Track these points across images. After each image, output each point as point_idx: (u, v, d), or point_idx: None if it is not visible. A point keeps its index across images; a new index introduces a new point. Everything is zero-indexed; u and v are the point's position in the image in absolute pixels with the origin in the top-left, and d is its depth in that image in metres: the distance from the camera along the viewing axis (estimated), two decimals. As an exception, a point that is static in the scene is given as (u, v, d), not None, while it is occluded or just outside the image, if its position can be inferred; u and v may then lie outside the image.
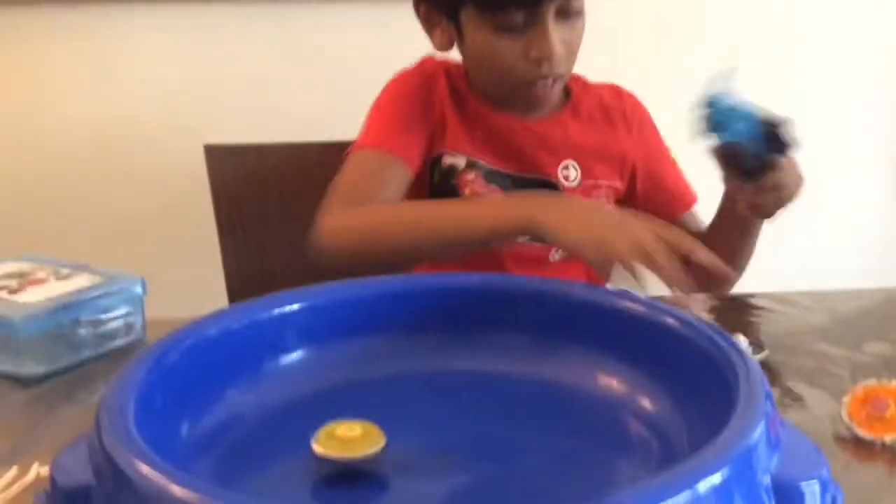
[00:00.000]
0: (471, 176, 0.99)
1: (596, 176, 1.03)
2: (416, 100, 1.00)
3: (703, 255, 0.77)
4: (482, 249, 0.94)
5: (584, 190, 1.02)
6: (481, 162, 1.00)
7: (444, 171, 1.00)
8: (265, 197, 1.19)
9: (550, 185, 1.01)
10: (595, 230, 0.78)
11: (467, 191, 1.00)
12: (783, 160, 0.85)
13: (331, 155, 1.13)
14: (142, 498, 0.43)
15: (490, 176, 1.00)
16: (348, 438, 0.54)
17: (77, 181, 1.48)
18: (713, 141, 0.84)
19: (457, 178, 1.00)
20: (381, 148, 0.98)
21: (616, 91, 1.08)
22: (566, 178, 1.02)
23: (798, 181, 0.89)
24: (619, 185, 1.05)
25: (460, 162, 1.00)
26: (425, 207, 0.93)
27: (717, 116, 0.82)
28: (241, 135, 1.20)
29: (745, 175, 0.86)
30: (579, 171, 1.02)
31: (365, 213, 0.92)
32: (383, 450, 0.54)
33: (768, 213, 0.91)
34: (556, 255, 1.02)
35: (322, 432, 0.55)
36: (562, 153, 1.02)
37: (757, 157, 0.83)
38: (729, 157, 0.86)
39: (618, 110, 1.06)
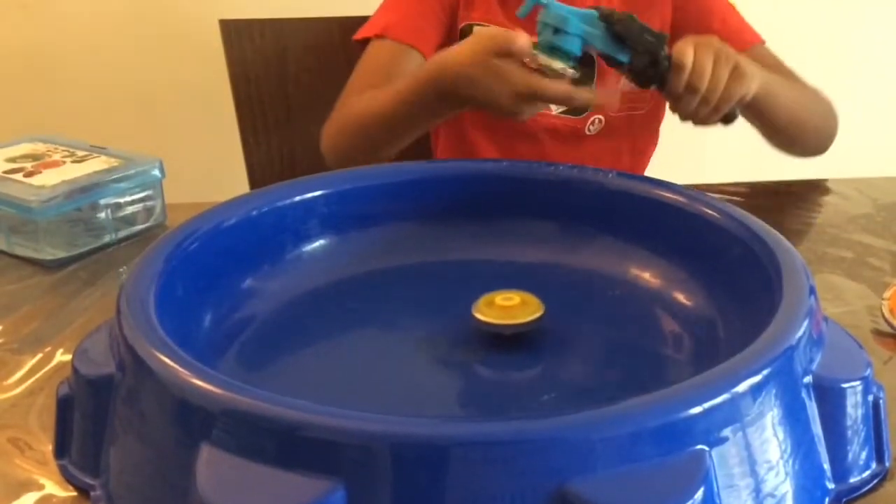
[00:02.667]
0: None
1: None
2: None
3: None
4: (439, 119, 0.89)
5: None
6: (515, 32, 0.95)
7: None
8: (284, 73, 1.15)
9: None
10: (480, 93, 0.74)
11: None
12: (677, 62, 0.71)
13: (351, 30, 1.08)
14: (163, 389, 0.43)
15: None
16: (507, 307, 0.56)
17: (90, 59, 1.44)
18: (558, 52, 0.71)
19: None
20: (389, 36, 0.93)
21: None
22: None
23: (728, 84, 0.73)
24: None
25: None
26: (381, 90, 0.87)
27: (564, 27, 0.70)
28: (258, 10, 1.15)
29: (640, 82, 0.74)
30: None
31: (345, 111, 0.89)
32: (541, 318, 0.56)
33: (704, 120, 0.76)
34: (592, 129, 0.98)
35: (482, 301, 0.57)
36: None
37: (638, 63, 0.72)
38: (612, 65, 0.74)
39: None
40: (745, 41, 0.93)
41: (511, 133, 0.94)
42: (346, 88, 0.93)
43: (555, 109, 0.96)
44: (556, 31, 0.70)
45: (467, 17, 0.96)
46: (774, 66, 0.91)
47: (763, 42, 0.95)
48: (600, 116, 0.97)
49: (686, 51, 0.72)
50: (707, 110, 0.74)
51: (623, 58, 0.72)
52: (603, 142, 0.98)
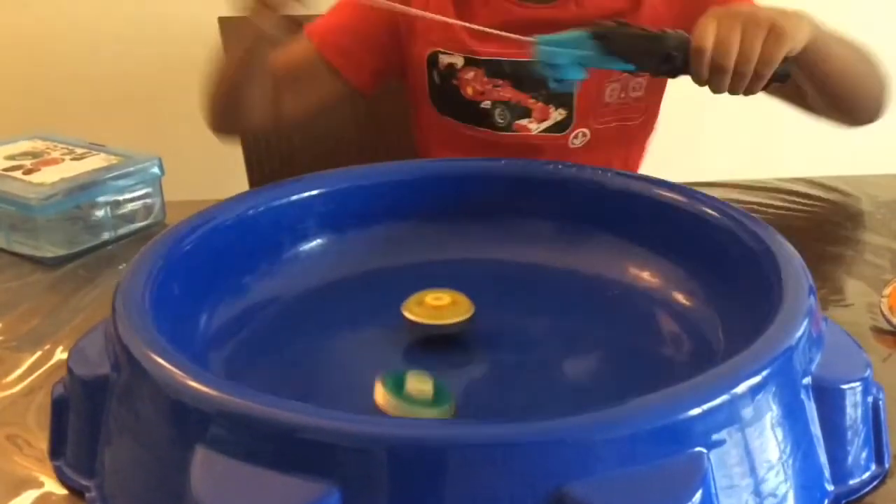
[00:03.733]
0: (470, 74, 0.94)
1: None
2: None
3: None
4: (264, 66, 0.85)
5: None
6: (480, 56, 0.93)
7: (443, 71, 0.95)
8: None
9: None
10: None
11: (469, 90, 0.94)
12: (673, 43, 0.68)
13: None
14: (158, 390, 0.42)
15: (492, 70, 0.94)
16: (437, 306, 0.55)
17: (89, 56, 1.44)
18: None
19: (457, 78, 0.95)
20: (315, 45, 0.91)
21: None
22: None
23: (765, 48, 0.66)
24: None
25: (458, 61, 0.95)
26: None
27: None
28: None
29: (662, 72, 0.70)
30: None
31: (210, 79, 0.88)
32: (470, 319, 0.55)
33: (749, 91, 0.70)
34: (575, 142, 0.98)
35: (412, 300, 0.56)
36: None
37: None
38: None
39: None
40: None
41: (490, 151, 0.93)
42: None
43: (534, 129, 0.95)
44: (552, 66, 0.68)
45: (429, 44, 0.95)
46: None
47: None
48: (584, 130, 0.96)
49: (705, 32, 0.66)
50: (743, 84, 0.68)
51: (628, 67, 0.69)
52: (589, 155, 0.96)
